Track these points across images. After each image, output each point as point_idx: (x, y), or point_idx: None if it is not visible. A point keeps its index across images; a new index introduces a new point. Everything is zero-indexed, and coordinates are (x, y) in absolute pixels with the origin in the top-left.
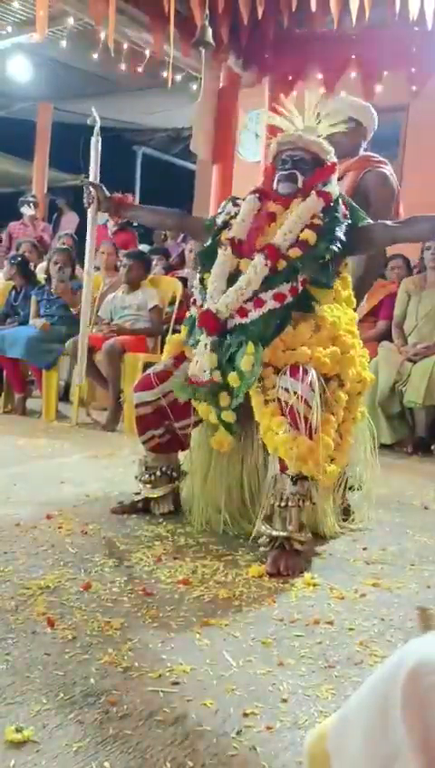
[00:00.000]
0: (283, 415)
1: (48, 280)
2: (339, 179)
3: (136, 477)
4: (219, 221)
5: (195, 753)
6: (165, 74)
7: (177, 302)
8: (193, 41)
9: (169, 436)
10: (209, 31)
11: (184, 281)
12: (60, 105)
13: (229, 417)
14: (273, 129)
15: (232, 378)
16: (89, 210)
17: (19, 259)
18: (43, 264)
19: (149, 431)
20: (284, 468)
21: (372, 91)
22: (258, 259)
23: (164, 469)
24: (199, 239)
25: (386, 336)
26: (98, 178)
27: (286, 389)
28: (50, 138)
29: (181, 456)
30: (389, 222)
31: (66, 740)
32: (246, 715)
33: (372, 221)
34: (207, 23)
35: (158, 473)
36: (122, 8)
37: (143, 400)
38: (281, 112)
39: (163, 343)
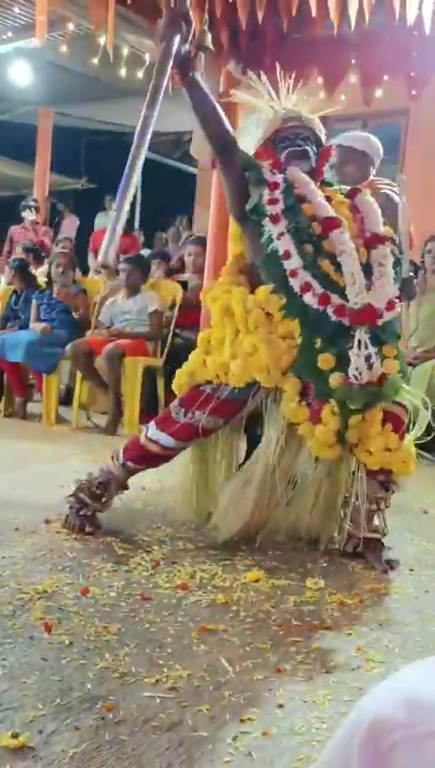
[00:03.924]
0: (388, 423)
1: (48, 284)
2: None
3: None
4: (265, 197)
5: (191, 759)
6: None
7: (177, 307)
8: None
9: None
10: (209, 36)
11: (184, 285)
12: (61, 109)
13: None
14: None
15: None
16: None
17: (19, 263)
18: (43, 268)
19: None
20: (377, 474)
21: (372, 95)
22: (384, 250)
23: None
24: (235, 183)
25: None
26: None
27: (397, 403)
28: (51, 142)
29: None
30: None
31: (62, 746)
32: (242, 720)
33: None
34: (206, 27)
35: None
36: (121, 13)
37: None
38: (255, 89)
39: (163, 347)
